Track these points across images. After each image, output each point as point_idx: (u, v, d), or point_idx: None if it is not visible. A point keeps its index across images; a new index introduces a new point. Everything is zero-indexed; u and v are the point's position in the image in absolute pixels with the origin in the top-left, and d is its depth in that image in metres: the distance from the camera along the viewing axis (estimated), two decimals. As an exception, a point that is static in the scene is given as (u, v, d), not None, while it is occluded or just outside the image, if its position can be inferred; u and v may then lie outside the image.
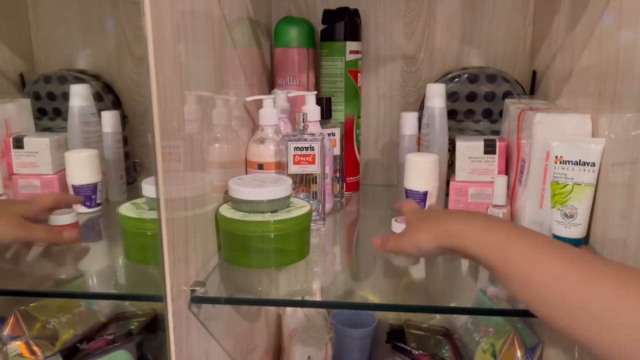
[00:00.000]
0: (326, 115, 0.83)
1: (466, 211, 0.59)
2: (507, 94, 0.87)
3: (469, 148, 0.76)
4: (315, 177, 0.74)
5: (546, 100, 0.83)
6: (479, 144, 0.76)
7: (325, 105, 0.83)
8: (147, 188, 0.64)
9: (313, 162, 0.73)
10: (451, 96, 0.88)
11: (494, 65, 0.94)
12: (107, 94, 0.87)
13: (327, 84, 0.92)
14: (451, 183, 0.78)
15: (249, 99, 0.75)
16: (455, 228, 0.50)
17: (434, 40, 0.95)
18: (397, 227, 0.66)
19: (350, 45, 0.90)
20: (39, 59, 0.91)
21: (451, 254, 0.52)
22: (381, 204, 0.92)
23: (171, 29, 0.50)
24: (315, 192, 0.75)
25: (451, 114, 0.89)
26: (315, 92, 0.79)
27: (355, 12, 0.91)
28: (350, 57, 0.90)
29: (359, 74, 0.93)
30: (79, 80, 0.86)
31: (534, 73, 0.90)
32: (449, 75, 0.89)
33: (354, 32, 0.91)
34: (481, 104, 0.88)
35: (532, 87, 0.90)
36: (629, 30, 0.57)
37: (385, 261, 0.68)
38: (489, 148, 0.76)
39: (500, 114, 0.87)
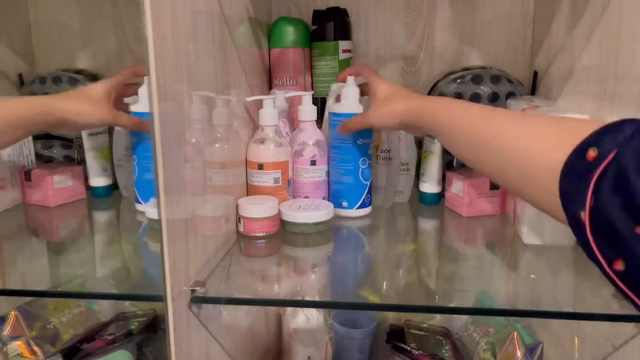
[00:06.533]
0: (320, 116, 0.83)
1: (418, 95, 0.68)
2: (510, 95, 0.87)
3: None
4: None
5: (546, 100, 0.83)
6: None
7: (320, 106, 0.83)
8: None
9: None
10: (455, 97, 0.88)
11: (494, 66, 0.94)
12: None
13: (322, 84, 0.92)
14: (447, 174, 0.81)
15: (249, 99, 0.75)
16: (415, 104, 0.63)
17: (434, 41, 0.95)
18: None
19: (343, 44, 0.90)
20: (39, 59, 0.91)
21: (405, 128, 0.66)
22: (380, 203, 0.91)
23: (171, 29, 0.50)
24: None
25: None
26: (312, 92, 0.80)
27: (345, 11, 0.92)
28: (343, 56, 0.91)
29: None
30: (73, 80, 0.85)
31: (535, 73, 0.90)
32: (452, 77, 0.89)
33: (345, 31, 0.91)
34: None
35: (533, 88, 0.90)
36: (629, 30, 0.57)
37: (386, 261, 0.68)
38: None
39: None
